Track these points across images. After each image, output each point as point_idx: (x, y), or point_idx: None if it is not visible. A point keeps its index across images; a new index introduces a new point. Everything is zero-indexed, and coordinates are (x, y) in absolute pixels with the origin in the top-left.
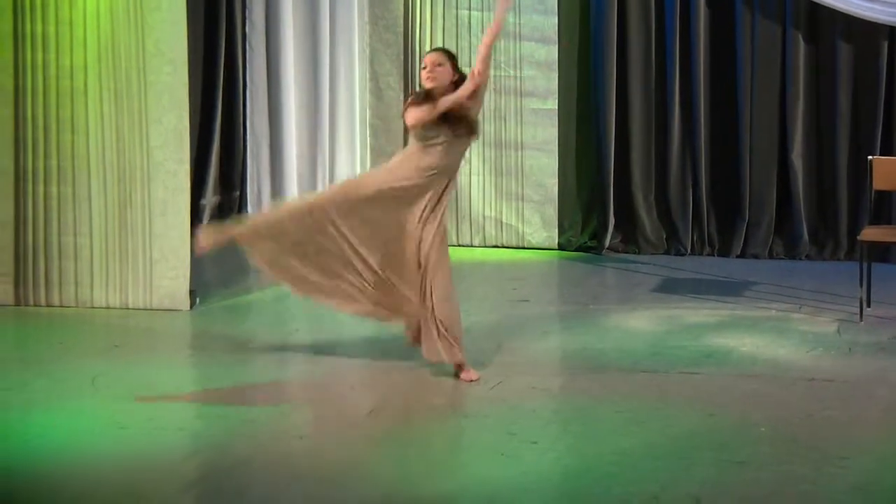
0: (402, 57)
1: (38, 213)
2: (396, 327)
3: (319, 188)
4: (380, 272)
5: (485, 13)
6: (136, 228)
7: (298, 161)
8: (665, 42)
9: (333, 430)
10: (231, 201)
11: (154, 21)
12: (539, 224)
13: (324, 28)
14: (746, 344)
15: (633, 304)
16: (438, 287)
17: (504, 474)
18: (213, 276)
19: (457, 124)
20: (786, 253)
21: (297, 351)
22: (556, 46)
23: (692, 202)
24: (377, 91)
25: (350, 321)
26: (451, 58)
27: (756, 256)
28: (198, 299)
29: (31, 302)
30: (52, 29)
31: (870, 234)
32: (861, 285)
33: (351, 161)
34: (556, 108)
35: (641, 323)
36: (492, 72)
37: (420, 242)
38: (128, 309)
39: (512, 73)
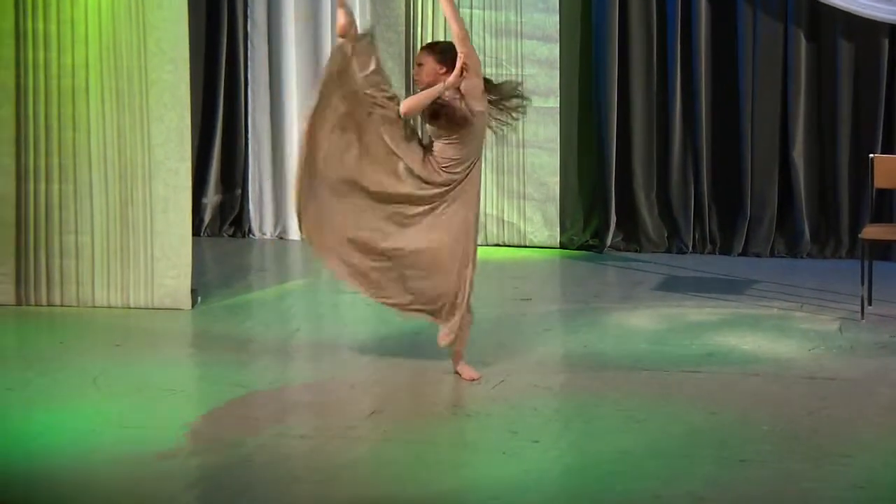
0: (403, 56)
1: (40, 211)
2: (395, 327)
3: None
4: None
5: (486, 12)
6: (137, 227)
7: None
8: (666, 40)
9: (334, 429)
10: (233, 199)
11: (155, 19)
12: (541, 222)
13: (325, 26)
14: (748, 342)
15: (635, 303)
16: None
17: (506, 473)
18: (215, 275)
19: (448, 118)
20: (787, 251)
21: (298, 350)
22: (558, 44)
23: (694, 200)
24: None
25: (350, 321)
26: (435, 52)
27: (757, 254)
28: (199, 298)
29: (32, 301)
30: (53, 27)
31: (871, 232)
32: (862, 283)
33: None
34: (558, 106)
35: (643, 321)
36: (493, 69)
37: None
38: (129, 308)
39: (513, 71)
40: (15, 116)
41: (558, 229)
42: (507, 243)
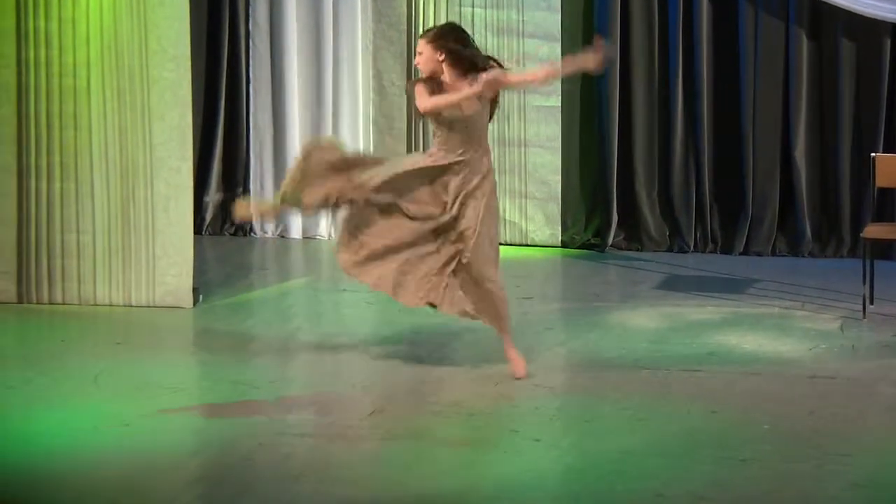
0: (405, 54)
1: (41, 210)
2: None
3: None
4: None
5: (487, 10)
6: (138, 225)
7: None
8: (668, 39)
9: (334, 429)
10: (234, 198)
11: (157, 18)
12: (542, 221)
13: (327, 25)
14: (749, 341)
15: (636, 302)
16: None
17: (507, 472)
18: (216, 273)
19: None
20: (789, 250)
21: (299, 349)
22: (560, 43)
23: (695, 199)
24: (380, 88)
25: (350, 321)
26: (431, 39)
27: (759, 253)
28: (200, 297)
29: (34, 299)
30: (54, 26)
31: (873, 231)
32: (864, 282)
33: None
34: (560, 105)
35: (644, 320)
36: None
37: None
38: (130, 306)
39: (515, 70)
40: (16, 115)
41: (560, 228)
42: (508, 242)
